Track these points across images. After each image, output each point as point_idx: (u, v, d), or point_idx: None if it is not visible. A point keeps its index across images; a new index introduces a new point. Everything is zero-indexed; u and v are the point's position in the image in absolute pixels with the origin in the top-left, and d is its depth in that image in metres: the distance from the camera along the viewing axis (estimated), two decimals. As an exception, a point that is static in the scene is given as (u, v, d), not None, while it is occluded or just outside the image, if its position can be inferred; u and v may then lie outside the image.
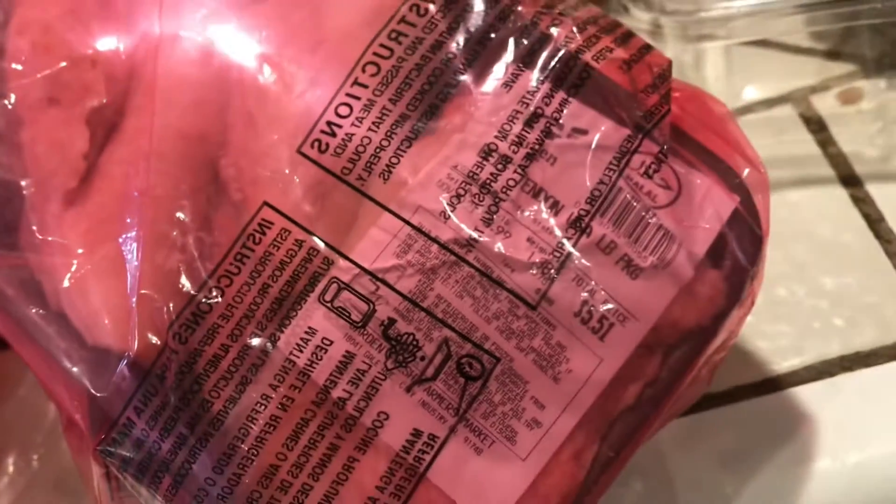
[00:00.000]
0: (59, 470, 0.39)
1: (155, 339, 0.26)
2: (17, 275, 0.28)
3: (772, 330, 0.36)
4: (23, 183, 0.28)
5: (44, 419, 0.40)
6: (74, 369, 0.27)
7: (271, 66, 0.27)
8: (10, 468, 0.39)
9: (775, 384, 0.35)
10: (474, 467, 0.26)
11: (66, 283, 0.27)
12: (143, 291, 0.26)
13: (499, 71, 0.27)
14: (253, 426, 0.26)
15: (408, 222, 0.26)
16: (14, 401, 0.41)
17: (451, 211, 0.26)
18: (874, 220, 0.40)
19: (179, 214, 0.27)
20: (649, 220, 0.27)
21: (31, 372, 0.41)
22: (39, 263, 0.28)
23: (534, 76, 0.27)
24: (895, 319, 0.37)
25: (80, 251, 0.27)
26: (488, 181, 0.26)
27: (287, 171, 0.26)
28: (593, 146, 0.27)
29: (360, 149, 0.26)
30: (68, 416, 0.29)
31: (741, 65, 0.43)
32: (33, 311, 0.28)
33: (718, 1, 0.40)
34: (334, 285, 0.26)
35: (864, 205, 0.40)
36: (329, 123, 0.27)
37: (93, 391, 0.27)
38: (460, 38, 0.27)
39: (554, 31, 0.28)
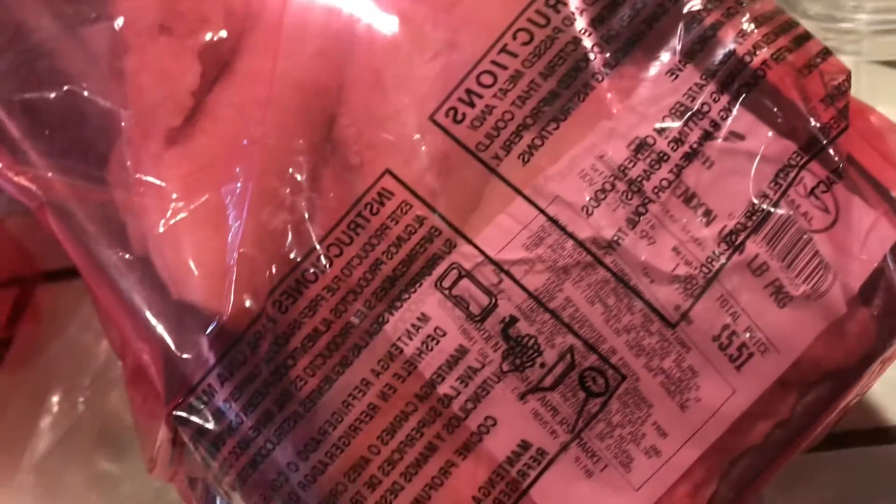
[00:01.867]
0: (105, 416, 0.37)
1: (251, 304, 0.23)
2: (102, 212, 0.25)
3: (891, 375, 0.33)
4: (121, 113, 0.25)
5: (93, 362, 0.38)
6: (154, 322, 0.24)
7: (403, 23, 0.24)
8: (55, 408, 0.37)
9: (887, 435, 0.33)
10: (581, 491, 0.23)
11: (158, 229, 0.24)
12: (243, 250, 0.23)
13: (664, 58, 0.24)
14: (347, 412, 0.23)
15: (543, 212, 0.23)
16: (63, 339, 0.39)
17: (594, 207, 0.23)
18: None
19: (292, 170, 0.24)
20: (805, 245, 0.23)
21: (84, 311, 0.40)
22: (128, 203, 0.25)
23: (699, 70, 0.24)
24: None
25: (176, 196, 0.24)
26: (638, 179, 0.23)
27: (414, 139, 0.23)
28: (758, 156, 0.23)
29: (501, 124, 0.23)
30: (136, 370, 0.26)
31: (870, 84, 0.41)
32: (115, 252, 0.25)
33: (853, 13, 0.38)
34: (454, 271, 0.23)
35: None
36: (469, 92, 0.23)
37: (173, 349, 0.24)
38: (625, 15, 0.24)
39: (726, 22, 0.24)
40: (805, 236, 0.23)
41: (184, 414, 0.24)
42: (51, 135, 0.26)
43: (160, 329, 0.24)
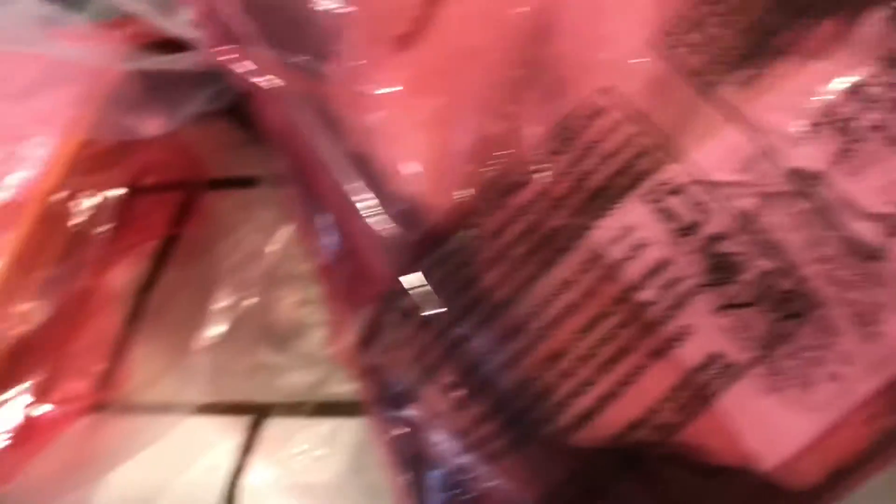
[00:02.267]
0: (268, 316, 0.39)
1: (463, 204, 0.25)
2: (318, 104, 0.27)
3: None
4: (349, 14, 0.27)
5: (260, 262, 0.40)
6: (367, 212, 0.26)
7: None
8: (222, 302, 0.40)
9: None
10: (764, 406, 0.24)
11: (380, 127, 0.26)
12: (459, 153, 0.25)
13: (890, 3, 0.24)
14: (548, 308, 0.24)
15: (755, 140, 0.23)
16: (231, 241, 0.41)
17: (804, 139, 0.23)
18: None
19: (508, 82, 0.25)
20: None
21: (251, 216, 0.42)
22: (350, 100, 0.27)
23: None
24: None
25: (400, 97, 0.26)
26: (850, 118, 0.23)
27: (630, 61, 0.24)
28: None
29: (720, 52, 0.24)
30: (340, 257, 0.28)
31: None
32: (330, 144, 0.27)
33: None
34: (666, 186, 0.24)
35: None
36: (690, 18, 0.24)
37: (386, 239, 0.26)
38: None
39: None
40: None
41: (390, 299, 0.26)
42: (278, 28, 0.28)
43: (372, 219, 0.26)
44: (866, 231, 0.23)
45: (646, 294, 0.24)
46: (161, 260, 0.42)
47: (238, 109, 0.47)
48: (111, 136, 0.38)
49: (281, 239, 0.40)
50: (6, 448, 0.32)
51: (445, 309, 0.25)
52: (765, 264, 0.23)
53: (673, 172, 0.24)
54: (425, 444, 0.27)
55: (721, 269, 0.24)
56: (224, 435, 0.35)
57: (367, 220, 0.26)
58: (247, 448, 0.35)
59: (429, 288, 0.25)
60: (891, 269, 0.24)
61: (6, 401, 0.34)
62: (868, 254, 0.23)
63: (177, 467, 0.34)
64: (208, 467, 0.34)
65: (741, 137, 0.24)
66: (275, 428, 0.36)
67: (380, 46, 0.27)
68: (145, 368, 0.38)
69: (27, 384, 0.34)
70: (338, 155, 0.27)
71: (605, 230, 0.24)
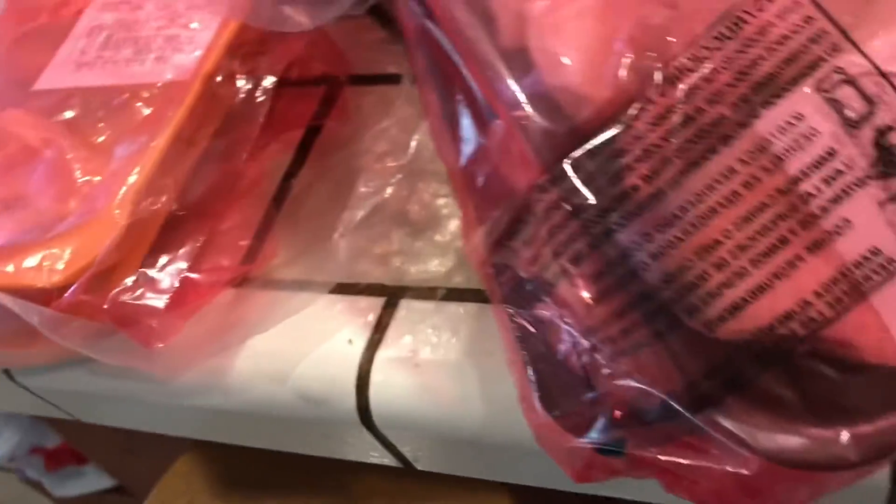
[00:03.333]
0: (405, 205, 0.39)
1: (622, 91, 0.24)
2: (479, 5, 0.27)
3: None
4: None
5: (400, 155, 0.40)
6: (516, 106, 0.26)
7: None
8: (362, 189, 0.40)
9: None
10: None
11: (540, 18, 0.26)
12: (623, 41, 0.24)
13: None
14: (708, 196, 0.23)
15: None
16: (373, 133, 0.41)
17: None
18: None
19: None
20: None
21: (392, 111, 0.43)
22: None
23: None
24: None
25: None
26: None
27: None
28: None
29: None
30: (480, 154, 0.28)
31: None
32: (485, 40, 0.27)
33: None
34: (837, 76, 0.23)
35: None
36: None
37: (535, 132, 0.25)
38: None
39: None
40: None
41: (536, 192, 0.25)
42: None
43: (522, 112, 0.26)
44: None
45: (810, 185, 0.23)
46: (304, 150, 0.43)
47: (381, 8, 0.47)
48: (266, 24, 0.38)
49: (421, 135, 0.40)
50: (163, 309, 0.34)
51: (594, 201, 0.25)
52: None
53: (847, 61, 0.23)
54: (554, 342, 0.27)
55: (888, 163, 0.23)
56: (359, 314, 0.36)
57: (516, 113, 0.26)
58: (379, 326, 0.36)
59: (578, 180, 0.25)
60: None
61: (164, 266, 0.35)
62: None
63: (313, 340, 0.35)
64: (343, 342, 0.35)
65: None
66: (406, 310, 0.36)
67: None
68: (287, 248, 0.39)
69: (182, 251, 0.36)
70: (489, 49, 0.27)
71: (772, 119, 0.23)
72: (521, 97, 0.26)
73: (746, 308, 0.24)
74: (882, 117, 0.23)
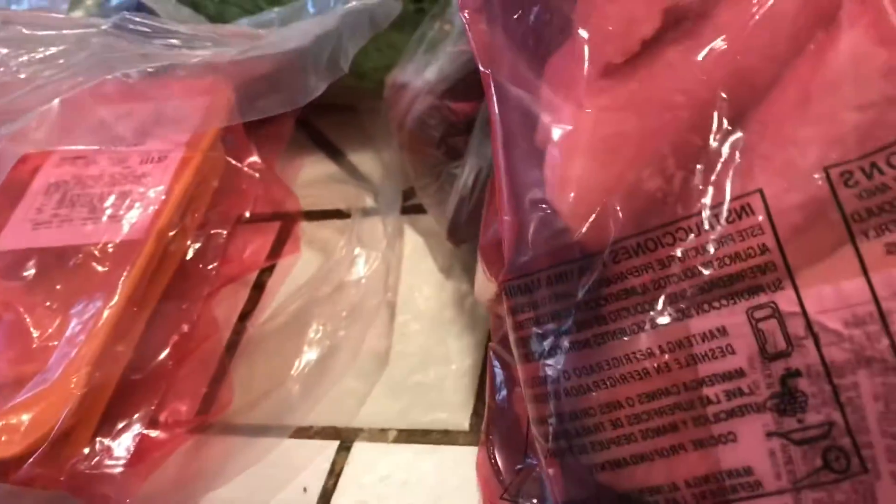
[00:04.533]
0: (357, 346, 0.40)
1: (598, 239, 0.25)
2: (527, 100, 0.28)
3: None
4: (578, 29, 0.27)
5: (348, 294, 0.41)
6: (524, 208, 0.27)
7: (856, 60, 0.23)
8: (316, 332, 0.40)
9: None
10: None
11: (562, 139, 0.27)
12: (615, 194, 0.25)
13: None
14: (625, 364, 0.25)
15: (878, 303, 0.22)
16: (325, 270, 0.42)
17: None
18: None
19: (684, 146, 0.25)
20: None
21: (347, 246, 0.43)
22: (550, 105, 0.27)
23: None
24: None
25: (586, 119, 0.26)
26: None
27: (801, 177, 0.23)
28: None
29: (886, 207, 0.22)
30: (494, 236, 0.30)
31: None
32: (522, 136, 0.28)
33: None
34: (769, 308, 0.23)
35: None
36: (873, 165, 0.23)
37: (527, 235, 0.27)
38: None
39: None
40: None
41: (511, 287, 0.27)
42: (516, 22, 0.29)
43: (525, 216, 0.27)
44: None
45: (713, 391, 0.24)
46: (259, 289, 0.43)
47: (333, 144, 0.48)
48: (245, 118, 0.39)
49: (370, 271, 0.41)
50: (120, 474, 0.35)
51: (546, 320, 0.26)
52: (833, 416, 0.23)
53: (784, 299, 0.23)
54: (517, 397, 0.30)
55: (788, 402, 0.23)
56: (314, 459, 0.36)
57: (519, 213, 0.27)
58: (333, 472, 0.36)
59: (538, 297, 0.27)
60: None
61: (120, 431, 0.35)
62: None
63: (269, 489, 0.36)
64: (298, 490, 0.35)
65: (865, 294, 0.22)
66: (361, 453, 0.37)
67: (592, 68, 0.27)
68: (244, 393, 0.39)
69: (137, 415, 0.35)
70: (522, 147, 0.28)
71: (703, 322, 0.24)
72: (525, 200, 0.28)
73: (625, 468, 0.25)
74: (796, 360, 0.23)
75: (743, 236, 0.24)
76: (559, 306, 0.26)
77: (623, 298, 0.25)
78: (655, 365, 0.25)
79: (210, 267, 0.39)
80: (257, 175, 0.44)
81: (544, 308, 0.27)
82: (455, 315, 0.42)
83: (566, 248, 0.26)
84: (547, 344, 0.26)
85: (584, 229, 0.26)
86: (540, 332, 0.27)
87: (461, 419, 0.37)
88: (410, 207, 0.44)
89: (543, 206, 0.27)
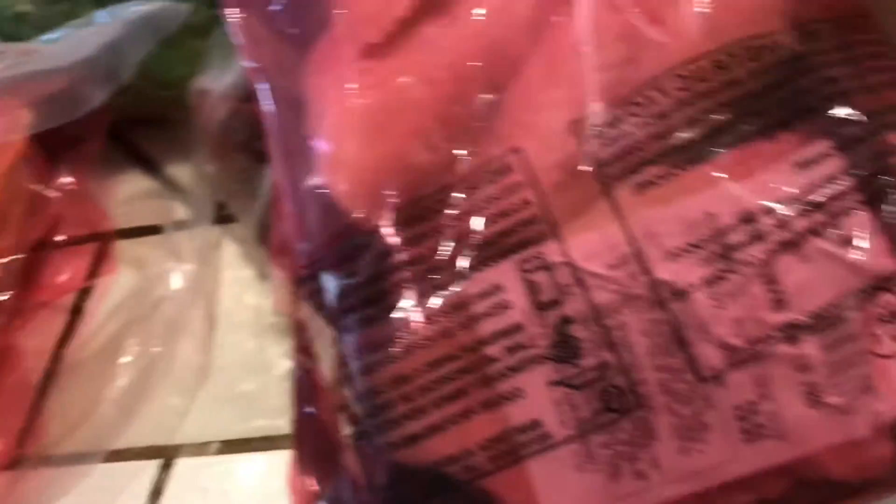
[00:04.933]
0: (173, 362, 0.39)
1: (376, 215, 0.25)
2: (294, 93, 0.28)
3: None
4: (336, 12, 0.27)
5: (164, 310, 0.40)
6: (303, 197, 0.27)
7: (596, 26, 0.24)
8: (132, 350, 0.39)
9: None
10: (568, 479, 0.24)
11: (331, 120, 0.26)
12: (387, 169, 0.25)
13: (803, 144, 0.23)
14: (409, 335, 0.25)
15: (634, 243, 0.23)
16: (139, 290, 0.41)
17: (680, 255, 0.23)
18: None
19: (450, 118, 0.25)
20: (859, 363, 0.23)
21: (158, 264, 0.42)
22: (316, 90, 0.27)
23: (837, 166, 0.23)
24: None
25: (352, 100, 0.26)
26: (732, 247, 0.23)
27: (554, 135, 0.24)
28: (850, 263, 0.23)
29: (630, 152, 0.23)
30: (284, 235, 0.29)
31: None
32: (293, 129, 0.28)
33: None
34: (538, 260, 0.24)
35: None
36: (615, 117, 0.24)
37: (310, 226, 0.27)
38: (781, 95, 0.23)
39: (882, 135, 0.24)
40: (863, 356, 0.23)
41: (304, 277, 0.27)
42: (276, 13, 0.29)
43: (305, 205, 0.27)
44: (712, 355, 0.23)
45: (493, 350, 0.24)
46: (77, 313, 0.42)
47: (148, 158, 0.47)
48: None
49: (185, 284, 0.40)
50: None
51: (335, 303, 0.26)
52: (606, 356, 0.23)
53: (550, 249, 0.24)
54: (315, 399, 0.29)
55: (564, 349, 0.24)
56: (135, 480, 0.35)
57: (302, 206, 0.27)
58: (157, 491, 0.35)
59: (327, 282, 0.26)
60: (724, 396, 0.23)
61: None
62: (707, 377, 0.23)
63: None
64: None
65: (621, 237, 0.23)
66: (183, 469, 0.36)
67: (352, 50, 0.27)
68: (61, 422, 0.37)
69: None
70: (295, 140, 0.28)
71: (480, 281, 0.24)
72: (303, 192, 0.27)
73: (421, 442, 0.25)
74: (567, 307, 0.24)
75: (507, 193, 0.24)
76: (346, 287, 0.26)
77: (403, 269, 0.25)
78: (438, 331, 0.24)
79: (5, 297, 0.37)
80: (65, 196, 0.42)
81: (333, 291, 0.26)
82: (276, 321, 0.41)
83: (346, 229, 0.26)
84: (339, 326, 0.26)
85: (360, 208, 0.26)
86: (332, 315, 0.26)
87: (282, 423, 0.36)
88: (227, 216, 0.44)
89: (320, 191, 0.26)
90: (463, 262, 0.24)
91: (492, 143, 0.25)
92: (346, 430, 0.26)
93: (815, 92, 0.24)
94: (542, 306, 0.24)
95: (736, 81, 0.24)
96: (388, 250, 0.25)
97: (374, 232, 0.25)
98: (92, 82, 0.36)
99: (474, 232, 0.24)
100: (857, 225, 0.23)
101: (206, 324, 0.41)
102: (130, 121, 0.44)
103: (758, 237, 0.23)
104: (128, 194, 0.45)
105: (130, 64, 0.37)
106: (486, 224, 0.24)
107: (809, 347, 0.23)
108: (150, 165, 0.47)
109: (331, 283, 0.26)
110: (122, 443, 0.37)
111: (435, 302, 0.25)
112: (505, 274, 0.24)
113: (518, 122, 0.25)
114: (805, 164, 0.23)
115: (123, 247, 0.44)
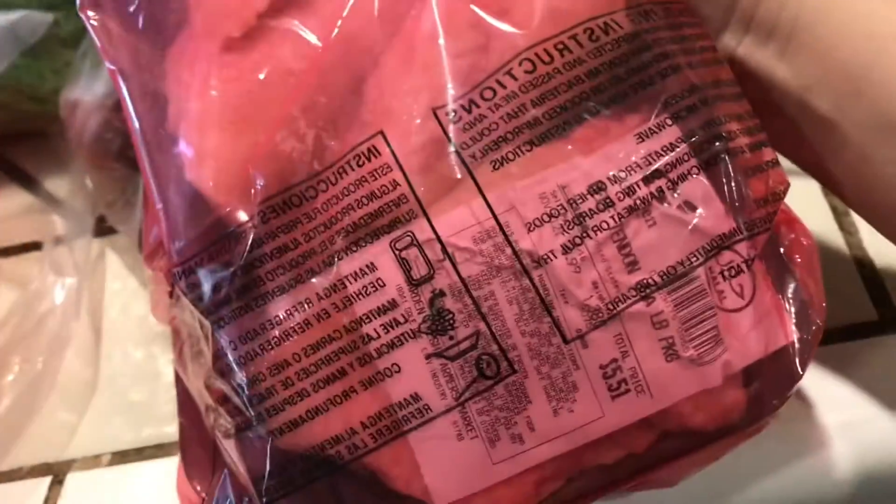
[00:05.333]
0: (56, 377, 0.39)
1: (245, 206, 0.25)
2: (156, 91, 0.28)
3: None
4: (192, 8, 0.27)
5: (47, 325, 0.39)
6: (172, 195, 0.27)
7: (449, 15, 0.25)
8: (16, 367, 0.38)
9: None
10: (449, 449, 0.25)
11: (193, 116, 0.26)
12: (253, 160, 0.25)
13: (643, 116, 0.25)
14: (286, 320, 0.25)
15: (496, 216, 0.24)
16: (19, 306, 0.40)
17: (539, 225, 0.24)
18: (840, 213, 0.39)
19: (315, 107, 0.25)
20: (708, 317, 0.24)
21: (39, 278, 0.41)
22: (176, 84, 0.27)
23: (674, 135, 0.25)
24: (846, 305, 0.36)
25: (215, 94, 0.26)
26: (584, 215, 0.24)
27: (416, 120, 0.25)
28: (692, 225, 0.24)
29: (486, 132, 0.24)
30: (157, 237, 0.29)
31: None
32: (156, 125, 0.28)
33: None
34: (408, 238, 0.24)
35: (832, 198, 0.39)
36: (471, 100, 0.24)
37: (179, 223, 0.27)
38: (621, 72, 0.25)
39: (718, 103, 0.26)
40: (711, 310, 0.24)
41: (178, 274, 0.27)
42: (133, 13, 0.28)
43: (175, 201, 0.27)
44: (575, 317, 0.24)
45: (371, 328, 0.25)
46: None
47: (23, 171, 0.46)
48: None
49: (67, 298, 0.40)
50: None
51: (211, 295, 0.26)
52: (478, 326, 0.24)
53: (419, 228, 0.24)
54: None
55: (438, 322, 0.24)
56: (27, 499, 0.35)
57: (170, 203, 0.27)
58: None
59: (201, 275, 0.26)
60: (589, 356, 0.24)
61: None
62: (572, 337, 0.24)
63: None
64: None
65: (484, 211, 0.24)
66: (75, 484, 0.35)
67: (213, 44, 0.27)
68: None
69: None
70: (159, 137, 0.27)
71: (353, 262, 0.25)
72: (170, 190, 0.27)
73: (303, 426, 0.25)
74: (439, 282, 0.24)
75: (375, 176, 0.25)
76: (220, 279, 0.26)
77: (277, 257, 0.25)
78: (314, 314, 0.25)
79: None
80: None
81: (207, 285, 0.26)
82: (163, 329, 0.40)
83: (216, 222, 0.26)
84: (213, 319, 0.26)
85: (228, 200, 0.26)
86: (207, 309, 0.26)
87: (173, 430, 0.35)
88: (109, 228, 0.42)
89: (187, 187, 0.26)
90: (336, 246, 0.25)
91: (357, 130, 0.25)
92: (228, 424, 0.26)
93: (651, 67, 0.25)
94: (415, 282, 0.24)
95: (578, 61, 0.25)
96: (260, 239, 0.25)
97: (245, 223, 0.25)
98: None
99: (345, 215, 0.25)
100: (696, 188, 0.25)
101: (92, 336, 0.40)
102: (8, 137, 0.43)
103: (607, 205, 0.24)
104: (8, 211, 0.45)
105: (-7, 73, 0.36)
106: (356, 207, 0.25)
107: (662, 305, 0.24)
108: (27, 180, 0.46)
109: (205, 277, 0.26)
110: (9, 463, 0.36)
111: (310, 286, 0.25)
112: (378, 254, 0.25)
113: (381, 109, 0.25)
114: (646, 135, 0.25)
115: (5, 265, 0.43)
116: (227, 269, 0.26)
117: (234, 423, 0.26)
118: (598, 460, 0.26)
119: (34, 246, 0.43)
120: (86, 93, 0.37)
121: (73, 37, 0.39)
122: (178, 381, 0.30)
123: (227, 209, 0.26)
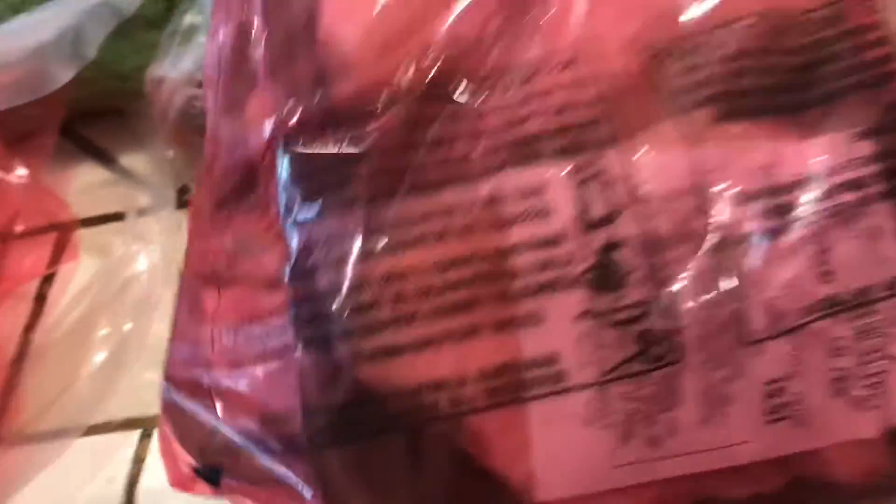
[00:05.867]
0: (144, 338, 0.39)
1: (381, 83, 0.21)
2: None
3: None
4: None
5: (133, 290, 0.40)
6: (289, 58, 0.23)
7: None
8: (100, 332, 0.39)
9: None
10: (573, 433, 0.20)
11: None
12: (406, 32, 0.21)
13: (863, 116, 0.22)
14: (421, 224, 0.20)
15: (701, 175, 0.21)
16: (104, 274, 0.42)
17: (743, 202, 0.21)
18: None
19: None
20: (879, 359, 0.21)
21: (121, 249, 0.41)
22: None
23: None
24: None
25: None
26: (790, 206, 0.21)
27: (624, 46, 0.21)
28: (886, 250, 0.21)
29: (707, 84, 0.21)
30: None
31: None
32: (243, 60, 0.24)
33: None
34: (594, 168, 0.20)
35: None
36: (694, 44, 0.21)
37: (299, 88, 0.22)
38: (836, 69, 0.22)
39: None
40: (883, 352, 0.21)
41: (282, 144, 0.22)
42: None
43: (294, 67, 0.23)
44: (759, 318, 0.20)
45: (521, 262, 0.20)
46: (41, 300, 0.42)
47: (101, 149, 0.46)
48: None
49: (151, 265, 0.41)
50: None
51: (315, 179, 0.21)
52: (651, 294, 0.20)
53: (610, 160, 0.20)
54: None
55: (605, 277, 0.20)
56: (117, 451, 0.36)
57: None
58: (139, 458, 0.35)
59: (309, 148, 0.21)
60: (759, 366, 0.20)
61: None
62: (749, 340, 0.20)
63: (75, 485, 0.35)
64: (106, 480, 0.34)
65: (685, 165, 0.20)
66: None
67: None
68: (36, 401, 0.38)
69: None
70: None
71: (521, 177, 0.20)
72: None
73: (402, 356, 0.20)
74: (617, 230, 0.20)
75: (572, 87, 0.21)
76: (333, 160, 0.21)
77: (428, 149, 0.21)
78: (458, 226, 0.20)
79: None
80: (21, 189, 0.43)
81: (314, 163, 0.21)
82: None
83: (350, 97, 0.22)
84: (311, 201, 0.21)
85: (370, 66, 0.21)
86: (307, 191, 0.21)
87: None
88: (189, 202, 0.42)
89: (314, 48, 0.22)
90: (501, 156, 0.20)
91: (561, 27, 0.21)
92: (290, 334, 0.21)
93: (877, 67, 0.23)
94: (589, 223, 0.20)
95: (811, 45, 0.22)
96: (412, 121, 0.21)
97: (393, 99, 0.21)
98: (56, 62, 0.37)
99: (522, 123, 0.20)
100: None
101: (174, 301, 0.38)
102: (86, 114, 0.44)
103: (814, 202, 0.21)
104: (86, 185, 0.46)
105: (92, 43, 0.37)
106: (539, 117, 0.20)
107: (844, 329, 0.21)
108: (105, 157, 0.47)
109: (315, 152, 0.21)
110: (100, 417, 0.37)
111: (460, 191, 0.20)
112: (552, 177, 0.20)
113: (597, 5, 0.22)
114: (865, 135, 0.22)
115: (85, 235, 0.44)
116: (353, 146, 0.21)
117: (303, 335, 0.20)
118: (723, 493, 0.21)
119: (114, 217, 0.44)
120: (172, 70, 0.37)
121: (154, 18, 0.40)
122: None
123: (370, 82, 0.21)
